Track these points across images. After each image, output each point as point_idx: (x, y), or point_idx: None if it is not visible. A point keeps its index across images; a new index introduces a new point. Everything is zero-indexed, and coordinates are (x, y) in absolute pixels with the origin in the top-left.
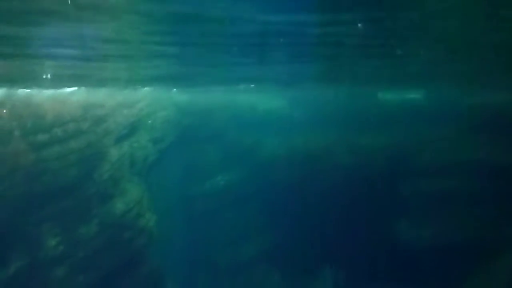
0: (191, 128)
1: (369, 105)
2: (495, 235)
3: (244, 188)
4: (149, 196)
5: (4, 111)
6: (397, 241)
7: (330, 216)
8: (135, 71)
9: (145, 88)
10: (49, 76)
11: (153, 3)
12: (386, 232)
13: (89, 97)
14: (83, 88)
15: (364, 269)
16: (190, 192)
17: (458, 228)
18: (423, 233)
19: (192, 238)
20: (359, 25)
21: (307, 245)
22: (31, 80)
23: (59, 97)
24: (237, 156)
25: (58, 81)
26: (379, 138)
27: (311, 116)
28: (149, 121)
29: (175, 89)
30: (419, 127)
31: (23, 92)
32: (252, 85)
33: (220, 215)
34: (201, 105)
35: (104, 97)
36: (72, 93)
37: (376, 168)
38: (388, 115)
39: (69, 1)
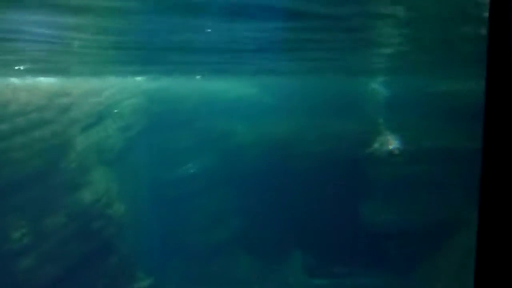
0: (161, 115)
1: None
2: (453, 218)
3: (215, 174)
4: (117, 185)
5: None
6: (364, 225)
7: (300, 201)
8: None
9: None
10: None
11: None
12: (353, 217)
13: (54, 86)
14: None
15: (332, 253)
16: (159, 179)
17: (420, 213)
18: (387, 218)
19: (163, 226)
20: None
21: (277, 230)
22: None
23: (23, 86)
24: (207, 143)
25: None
26: (346, 125)
27: (281, 103)
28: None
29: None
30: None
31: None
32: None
33: (191, 202)
34: (171, 92)
35: (70, 86)
36: (37, 82)
37: (343, 154)
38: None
39: None
